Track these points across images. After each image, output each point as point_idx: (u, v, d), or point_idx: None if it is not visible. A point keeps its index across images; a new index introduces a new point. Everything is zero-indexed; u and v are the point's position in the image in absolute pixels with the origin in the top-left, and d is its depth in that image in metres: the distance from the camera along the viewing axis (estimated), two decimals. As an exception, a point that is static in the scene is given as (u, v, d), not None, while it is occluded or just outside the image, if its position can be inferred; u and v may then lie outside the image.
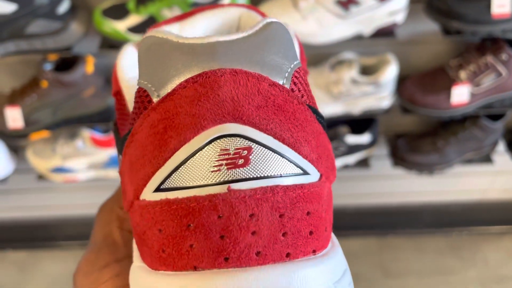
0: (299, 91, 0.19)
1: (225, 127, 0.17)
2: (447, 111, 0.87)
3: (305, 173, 0.19)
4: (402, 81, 0.89)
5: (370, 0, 0.75)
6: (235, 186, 0.17)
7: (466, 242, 1.16)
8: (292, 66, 0.19)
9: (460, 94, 0.86)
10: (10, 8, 0.72)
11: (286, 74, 0.19)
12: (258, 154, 0.18)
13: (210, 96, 0.17)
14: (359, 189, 1.14)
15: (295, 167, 0.18)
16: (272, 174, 0.18)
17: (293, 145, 0.18)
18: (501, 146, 1.01)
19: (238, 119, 0.17)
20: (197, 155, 0.17)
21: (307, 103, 0.20)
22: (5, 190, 1.09)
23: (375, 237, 1.17)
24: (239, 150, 0.17)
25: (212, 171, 0.17)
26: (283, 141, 0.18)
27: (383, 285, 1.09)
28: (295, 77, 0.19)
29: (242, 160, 0.17)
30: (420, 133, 1.01)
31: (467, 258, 1.13)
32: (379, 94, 0.86)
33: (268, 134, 0.18)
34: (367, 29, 0.79)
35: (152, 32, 0.20)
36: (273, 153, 0.18)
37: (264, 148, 0.18)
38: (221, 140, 0.17)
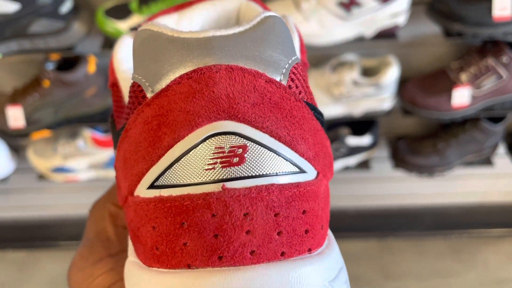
0: (297, 87, 0.19)
1: (220, 125, 0.17)
2: (448, 113, 0.88)
3: (302, 171, 0.18)
4: (403, 83, 0.90)
5: (372, 2, 0.76)
6: (230, 184, 0.17)
7: (466, 245, 1.16)
8: (290, 61, 0.19)
9: (461, 96, 0.86)
10: (13, 7, 0.72)
11: (284, 70, 0.18)
12: (253, 153, 0.17)
13: (205, 92, 0.17)
14: (359, 191, 1.14)
15: (292, 165, 0.18)
16: (268, 173, 0.17)
17: (289, 143, 0.18)
18: (502, 149, 1.01)
19: (234, 116, 0.17)
20: (191, 152, 0.17)
21: (305, 99, 0.19)
22: (5, 189, 1.09)
23: (375, 239, 1.17)
24: (234, 148, 0.17)
25: (206, 169, 0.17)
26: (279, 139, 0.18)
27: (383, 287, 1.09)
28: (293, 73, 0.19)
29: (237, 158, 0.17)
30: (420, 135, 1.01)
31: (467, 261, 1.13)
32: (380, 95, 0.86)
33: (264, 132, 0.17)
34: (369, 30, 0.79)
35: (147, 25, 0.19)
36: (269, 151, 0.17)
37: (259, 146, 0.17)
38: (216, 137, 0.17)
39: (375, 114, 0.89)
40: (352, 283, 0.21)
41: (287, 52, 0.19)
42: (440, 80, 0.88)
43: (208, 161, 0.17)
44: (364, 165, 0.99)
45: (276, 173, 0.18)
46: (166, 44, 0.18)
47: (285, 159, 0.18)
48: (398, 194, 1.15)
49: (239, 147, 0.17)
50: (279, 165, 0.18)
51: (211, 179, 0.17)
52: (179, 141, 0.17)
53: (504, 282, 1.09)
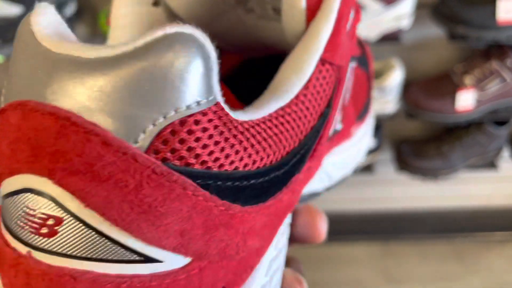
0: (173, 152, 0.14)
1: (30, 182, 0.13)
2: (451, 116, 0.87)
3: (148, 260, 0.14)
4: (407, 86, 0.89)
5: (376, 5, 0.75)
6: (36, 255, 0.14)
7: (469, 249, 1.15)
8: (175, 112, 0.13)
9: (465, 100, 0.86)
10: (16, 10, 0.72)
11: (150, 127, 0.13)
12: (70, 229, 0.13)
13: (11, 136, 0.14)
14: (362, 194, 1.13)
15: (128, 252, 0.14)
16: (85, 256, 0.14)
17: (127, 228, 0.14)
18: (506, 152, 1.01)
19: (50, 178, 0.13)
20: (10, 198, 0.14)
21: (202, 164, 0.14)
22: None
23: (379, 242, 1.17)
24: (46, 217, 0.13)
25: (19, 226, 0.14)
26: (113, 222, 0.13)
27: (386, 291, 1.08)
28: (171, 132, 0.13)
29: (47, 229, 0.13)
30: (424, 138, 1.00)
31: (471, 265, 1.12)
32: (384, 99, 0.86)
33: (90, 208, 0.13)
34: (373, 33, 0.79)
35: (33, 15, 0.15)
36: (93, 232, 0.13)
37: (79, 224, 0.13)
38: (30, 195, 0.13)
39: (379, 117, 0.89)
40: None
41: (174, 96, 0.13)
42: (444, 83, 0.88)
43: (21, 218, 0.14)
44: (367, 168, 0.99)
45: (100, 258, 0.14)
46: (22, 52, 0.14)
47: (117, 244, 0.14)
48: (401, 197, 1.15)
49: (52, 217, 0.13)
50: (105, 250, 0.14)
51: (22, 237, 0.14)
52: (1, 178, 0.14)
53: (507, 286, 1.09)
